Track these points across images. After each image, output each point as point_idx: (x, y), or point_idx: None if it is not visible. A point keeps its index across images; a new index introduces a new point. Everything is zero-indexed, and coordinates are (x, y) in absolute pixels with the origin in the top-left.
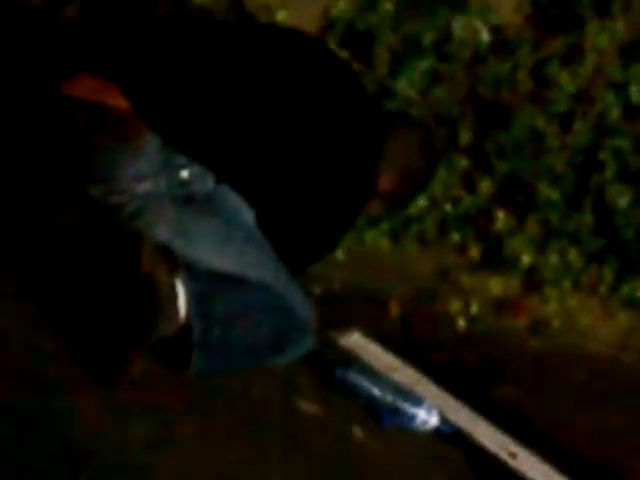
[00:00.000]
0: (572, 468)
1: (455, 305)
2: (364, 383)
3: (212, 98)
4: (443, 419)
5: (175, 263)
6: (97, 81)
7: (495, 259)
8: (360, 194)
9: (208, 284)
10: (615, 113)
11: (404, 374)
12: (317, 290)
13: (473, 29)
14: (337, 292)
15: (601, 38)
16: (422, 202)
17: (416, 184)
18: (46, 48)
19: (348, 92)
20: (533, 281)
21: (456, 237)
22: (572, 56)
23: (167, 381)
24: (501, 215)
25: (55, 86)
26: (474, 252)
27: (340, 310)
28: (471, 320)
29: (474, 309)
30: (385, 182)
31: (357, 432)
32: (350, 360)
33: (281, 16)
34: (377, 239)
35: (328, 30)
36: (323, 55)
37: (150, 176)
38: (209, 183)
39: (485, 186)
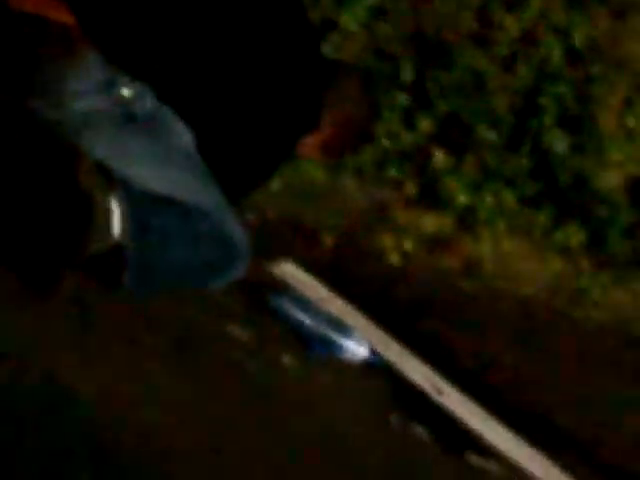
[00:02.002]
0: (498, 406)
1: (389, 240)
2: (296, 311)
3: (157, 20)
4: (372, 351)
5: (112, 181)
6: None
7: (431, 197)
8: (301, 125)
9: (144, 204)
10: (558, 58)
11: (335, 305)
12: (251, 219)
13: None
14: (271, 222)
15: None
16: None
17: (353, 137)
18: None
19: (294, 22)
20: (468, 221)
21: (393, 173)
22: None
23: (99, 299)
24: (439, 154)
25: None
26: (410, 189)
27: (274, 240)
28: (404, 256)
29: (407, 245)
30: (322, 131)
31: (286, 360)
32: (282, 289)
33: None
34: (313, 171)
35: None
36: None
37: (91, 93)
38: (150, 103)
39: (425, 124)
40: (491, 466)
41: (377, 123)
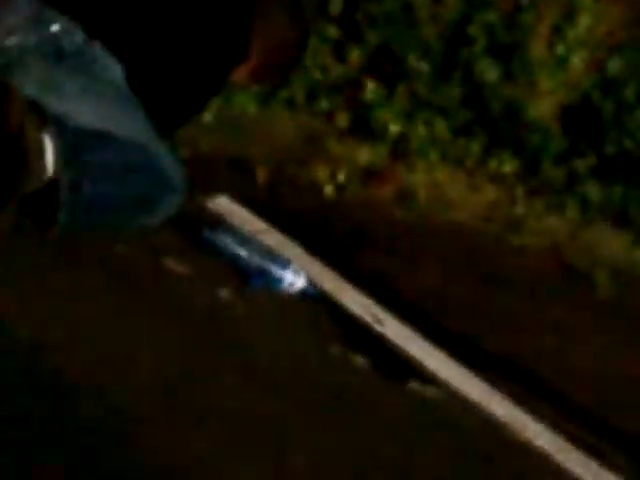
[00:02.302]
0: (436, 334)
1: (322, 172)
2: (232, 245)
3: None
4: (310, 282)
5: (44, 118)
6: None
7: (363, 128)
8: (230, 59)
9: (77, 140)
10: None
11: (271, 238)
12: (185, 153)
13: None
14: (205, 156)
15: None
16: None
17: (283, 62)
18: None
19: None
20: (401, 151)
21: (325, 104)
22: None
23: (35, 237)
24: (370, 85)
25: None
26: (342, 120)
27: (207, 174)
28: (338, 188)
29: (341, 177)
30: (251, 57)
31: (224, 293)
32: (218, 223)
33: None
34: (246, 103)
35: None
36: None
37: (19, 29)
38: (79, 39)
39: (355, 55)
40: (431, 392)
41: (307, 55)
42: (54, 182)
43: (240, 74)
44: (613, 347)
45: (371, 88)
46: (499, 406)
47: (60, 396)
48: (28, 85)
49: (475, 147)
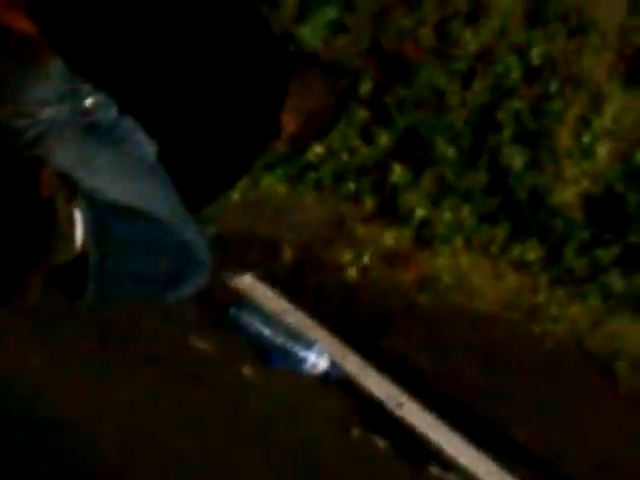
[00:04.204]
0: (456, 419)
1: (347, 254)
2: (256, 323)
3: (118, 27)
4: (332, 364)
5: (75, 191)
6: (4, 4)
7: (389, 212)
8: (262, 135)
9: (106, 214)
10: (515, 75)
11: (295, 318)
12: (212, 231)
13: None
14: (231, 234)
15: None
16: (320, 150)
17: (320, 125)
18: None
19: (254, 31)
20: (425, 236)
21: (352, 187)
22: (477, 15)
23: (61, 309)
24: (397, 168)
25: None
26: (369, 203)
27: (233, 252)
28: (362, 270)
29: (366, 259)
30: (288, 123)
31: (247, 371)
32: (243, 301)
33: None
34: (274, 184)
35: None
36: None
37: (54, 102)
38: (113, 113)
39: (383, 139)
40: (450, 478)
41: (335, 137)
42: (83, 254)
43: (279, 141)
44: (634, 438)
45: (398, 172)
46: None
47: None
48: (60, 158)
49: (499, 234)
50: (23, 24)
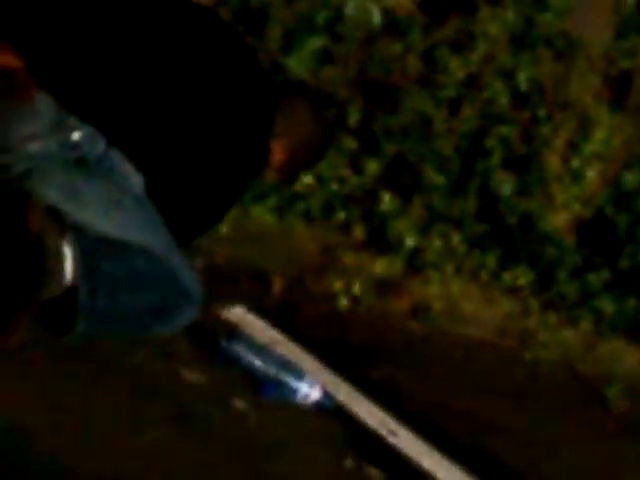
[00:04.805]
0: (448, 447)
1: (338, 284)
2: (247, 355)
3: (105, 61)
4: (325, 394)
5: (63, 225)
6: None
7: (379, 240)
8: (251, 166)
9: (95, 248)
10: (503, 100)
11: (286, 348)
12: (201, 263)
13: (365, 10)
14: (221, 266)
15: (492, 25)
16: (309, 180)
17: (309, 155)
18: None
19: (240, 62)
20: (416, 264)
21: (341, 216)
22: (463, 42)
23: (49, 345)
24: (386, 196)
25: None
26: (359, 232)
27: (223, 284)
28: (353, 299)
29: (356, 289)
30: (277, 152)
31: (239, 403)
32: (234, 332)
33: None
34: (262, 214)
35: (221, 6)
36: (216, 24)
37: (41, 137)
38: (100, 147)
39: (371, 167)
40: None
41: (324, 166)
42: (72, 289)
43: (268, 171)
44: (627, 462)
45: (387, 200)
46: None
47: None
48: (48, 191)
49: (490, 260)
50: (9, 60)
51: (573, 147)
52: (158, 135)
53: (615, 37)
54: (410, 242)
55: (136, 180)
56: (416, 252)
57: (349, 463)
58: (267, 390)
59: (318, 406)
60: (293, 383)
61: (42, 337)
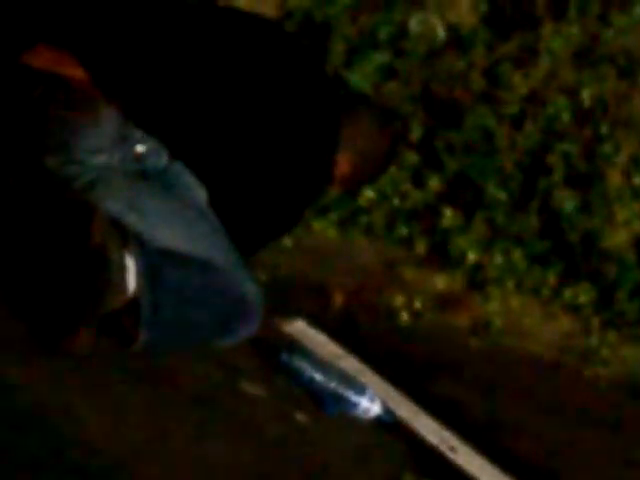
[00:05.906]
0: (509, 464)
1: (399, 299)
2: (308, 368)
3: (171, 75)
4: (385, 408)
5: (126, 237)
6: (56, 52)
7: (441, 255)
8: (316, 179)
9: (158, 260)
10: (566, 117)
11: (347, 363)
12: (263, 276)
13: (429, 25)
14: (283, 279)
15: (555, 41)
16: (371, 194)
17: (372, 168)
18: (5, 19)
19: (306, 74)
20: (477, 280)
21: (403, 231)
22: (526, 58)
23: (113, 355)
24: (448, 212)
25: (14, 57)
26: (420, 247)
27: (285, 297)
28: (414, 314)
29: (417, 304)
30: (343, 165)
31: (300, 417)
32: (294, 346)
33: (240, 5)
34: (325, 229)
35: (286, 20)
36: (282, 37)
37: (105, 149)
38: (164, 159)
39: (434, 183)
40: None
41: (386, 182)
42: (135, 301)
43: (331, 183)
44: None
45: (449, 216)
46: None
47: None
48: (111, 203)
49: (551, 277)
50: (75, 73)
51: (635, 164)
52: (223, 148)
53: None
54: (471, 258)
55: (199, 192)
56: (477, 268)
57: (408, 479)
58: (327, 404)
59: (378, 421)
60: (353, 397)
61: (106, 346)
